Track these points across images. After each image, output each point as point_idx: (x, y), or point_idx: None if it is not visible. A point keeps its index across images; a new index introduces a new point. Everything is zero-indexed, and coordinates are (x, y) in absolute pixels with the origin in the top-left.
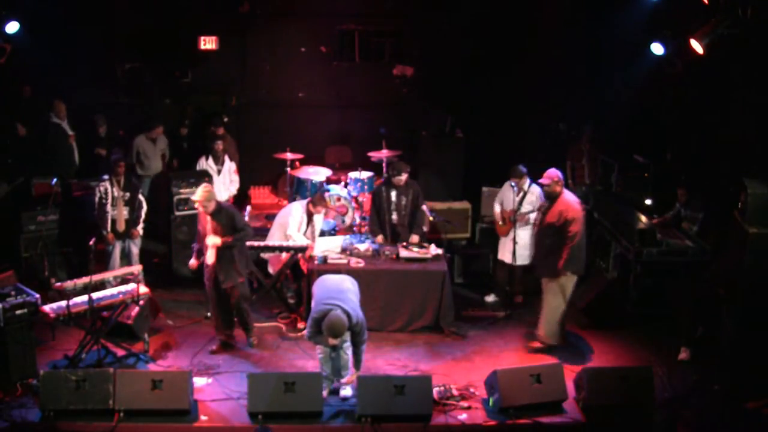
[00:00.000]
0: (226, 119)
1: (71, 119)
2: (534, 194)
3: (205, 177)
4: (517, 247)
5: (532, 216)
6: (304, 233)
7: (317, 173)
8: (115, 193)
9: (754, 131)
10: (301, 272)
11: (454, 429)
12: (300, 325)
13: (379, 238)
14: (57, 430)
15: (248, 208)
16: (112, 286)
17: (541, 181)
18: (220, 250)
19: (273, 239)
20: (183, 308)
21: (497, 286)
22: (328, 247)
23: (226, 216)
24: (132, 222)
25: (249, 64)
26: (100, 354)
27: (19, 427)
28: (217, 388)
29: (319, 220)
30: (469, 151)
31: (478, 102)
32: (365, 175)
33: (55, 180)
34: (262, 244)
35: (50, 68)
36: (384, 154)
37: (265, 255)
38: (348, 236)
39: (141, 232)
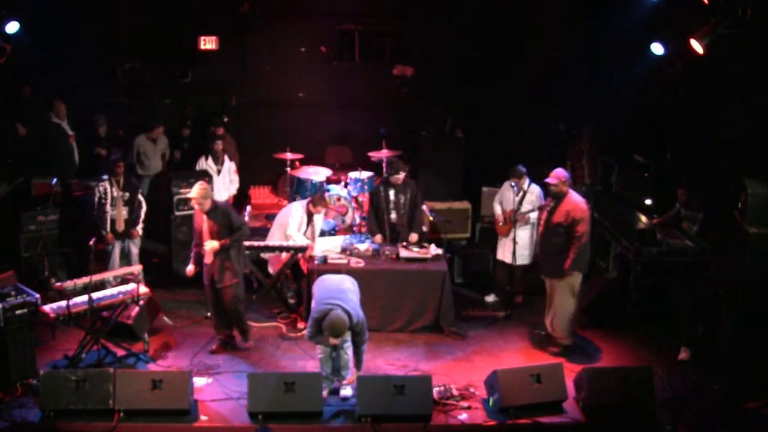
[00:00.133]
0: (226, 119)
1: (71, 119)
2: (534, 194)
3: (205, 177)
4: (517, 247)
5: (533, 216)
6: (304, 233)
7: (317, 173)
8: (115, 193)
9: (754, 131)
10: (301, 272)
11: (454, 429)
12: (300, 325)
13: (378, 237)
14: (57, 430)
15: (248, 208)
16: (112, 286)
17: (548, 180)
18: (217, 251)
19: (273, 239)
20: (183, 308)
21: (497, 286)
22: (328, 247)
23: (222, 215)
24: (131, 222)
25: (249, 64)
26: (100, 354)
27: (19, 427)
28: (217, 388)
29: (319, 220)
30: (469, 151)
31: (478, 102)
32: (365, 175)
33: (55, 180)
34: (262, 244)
35: (50, 68)
36: (384, 154)
37: (265, 255)
38: (348, 236)
39: (140, 232)
